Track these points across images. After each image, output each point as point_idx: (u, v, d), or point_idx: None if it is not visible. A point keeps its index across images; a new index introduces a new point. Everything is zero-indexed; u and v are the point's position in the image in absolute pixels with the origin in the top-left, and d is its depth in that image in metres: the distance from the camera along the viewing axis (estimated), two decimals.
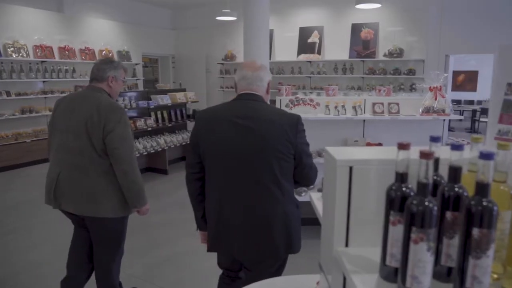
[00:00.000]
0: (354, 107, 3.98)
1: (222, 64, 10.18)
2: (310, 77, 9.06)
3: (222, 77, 10.23)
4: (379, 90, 4.20)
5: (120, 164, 2.19)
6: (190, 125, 7.82)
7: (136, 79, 9.46)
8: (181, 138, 6.77)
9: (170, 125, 6.74)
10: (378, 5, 6.54)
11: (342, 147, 1.15)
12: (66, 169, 2.23)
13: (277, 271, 1.91)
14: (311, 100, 3.86)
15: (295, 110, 3.86)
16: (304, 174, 1.85)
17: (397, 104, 4.12)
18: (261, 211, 1.76)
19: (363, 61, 8.45)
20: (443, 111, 3.90)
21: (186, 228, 4.12)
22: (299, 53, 9.07)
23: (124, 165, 2.19)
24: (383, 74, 8.21)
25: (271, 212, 1.76)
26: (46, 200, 2.33)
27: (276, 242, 1.77)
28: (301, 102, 3.84)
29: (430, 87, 3.93)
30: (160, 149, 6.23)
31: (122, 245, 2.49)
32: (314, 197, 1.97)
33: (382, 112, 4.10)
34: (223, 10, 7.90)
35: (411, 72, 7.99)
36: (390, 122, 4.15)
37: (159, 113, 6.64)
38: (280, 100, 4.03)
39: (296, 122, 1.79)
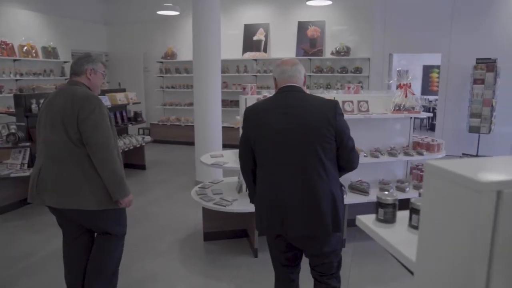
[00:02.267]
0: None
1: (161, 62, 9.50)
2: (256, 75, 8.78)
3: (162, 76, 9.56)
4: (348, 88, 4.01)
5: (96, 153, 2.18)
6: (132, 129, 7.11)
7: (65, 79, 8.44)
8: (123, 143, 6.07)
9: None
10: (329, 2, 6.45)
11: (457, 160, 0.81)
12: (47, 162, 2.25)
13: (335, 252, 2.08)
14: None
15: None
16: (346, 156, 2.02)
17: (367, 102, 3.96)
18: (311, 190, 1.91)
19: (310, 59, 8.35)
20: (413, 108, 3.81)
21: (140, 249, 3.60)
22: (244, 51, 8.75)
23: (100, 153, 2.18)
24: (331, 73, 8.19)
25: (319, 191, 1.91)
26: (29, 197, 2.33)
27: (326, 219, 1.92)
28: None
29: (399, 84, 3.82)
30: None
31: (123, 231, 2.51)
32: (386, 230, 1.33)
33: (353, 111, 3.91)
34: (164, 4, 7.31)
35: (358, 70, 8.06)
36: (361, 121, 3.98)
37: None
38: (246, 99, 3.66)
39: (334, 106, 2.00)
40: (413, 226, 1.10)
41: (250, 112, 2.09)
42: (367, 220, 1.22)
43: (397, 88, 4.03)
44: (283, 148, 1.94)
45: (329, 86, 8.30)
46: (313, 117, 1.93)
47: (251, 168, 2.11)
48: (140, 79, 9.74)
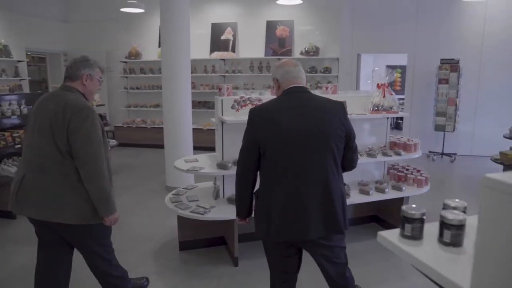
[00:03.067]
0: None
1: (125, 62, 9.09)
2: (224, 76, 8.60)
3: (126, 77, 9.15)
4: (326, 88, 3.93)
5: (85, 167, 2.06)
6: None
7: (20, 79, 7.86)
8: None
9: None
10: (298, 1, 6.38)
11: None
12: (31, 171, 2.12)
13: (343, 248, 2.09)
14: (259, 100, 3.40)
15: (244, 112, 3.35)
16: (350, 156, 2.07)
17: (344, 102, 3.89)
18: (328, 191, 1.91)
19: (279, 59, 8.27)
20: (391, 108, 3.78)
21: None
22: (211, 50, 8.54)
23: (88, 168, 2.06)
24: None
25: (334, 191, 1.92)
26: (9, 205, 2.19)
27: (340, 219, 1.93)
28: (248, 102, 3.35)
29: (378, 84, 3.79)
30: None
31: (109, 243, 2.37)
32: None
33: None
34: (128, 1, 6.96)
35: (327, 70, 8.07)
36: None
37: None
38: (222, 100, 3.48)
39: (343, 106, 2.04)
40: (445, 243, 0.99)
41: (259, 113, 1.99)
42: (391, 237, 1.09)
43: (374, 87, 4.00)
44: (301, 149, 1.90)
45: None
46: (329, 118, 1.94)
47: (253, 176, 2.03)
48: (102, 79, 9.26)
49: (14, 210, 2.18)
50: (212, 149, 3.82)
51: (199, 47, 8.39)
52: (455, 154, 7.36)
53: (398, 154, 3.84)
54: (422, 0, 7.63)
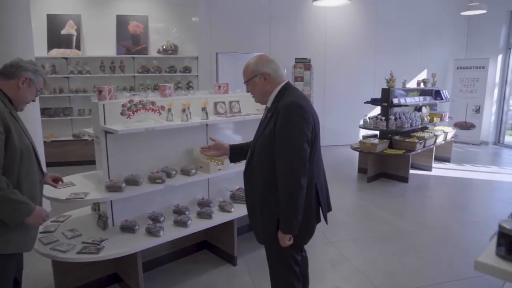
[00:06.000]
0: (184, 110, 3.15)
1: None
2: (68, 77, 7.32)
3: None
4: (219, 87, 3.60)
5: None
6: None
7: None
8: None
9: None
10: None
11: None
12: None
13: None
14: (153, 104, 2.84)
15: (136, 118, 2.75)
16: None
17: (238, 102, 3.66)
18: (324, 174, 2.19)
19: (133, 57, 7.49)
20: None
21: None
22: (50, 47, 7.15)
23: None
24: (158, 72, 7.55)
25: None
26: None
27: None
28: (140, 106, 2.75)
29: None
30: None
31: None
32: None
33: (226, 113, 3.53)
34: None
35: (187, 69, 7.69)
36: (233, 123, 3.66)
37: None
38: (103, 105, 2.79)
39: None
40: None
41: (308, 109, 1.93)
42: (491, 261, 0.87)
43: None
44: (319, 141, 2.04)
45: (157, 87, 7.63)
46: None
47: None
48: None
49: None
50: (66, 164, 3.05)
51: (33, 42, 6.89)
52: None
53: None
54: (274, 2, 7.99)
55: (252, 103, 3.83)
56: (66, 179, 2.97)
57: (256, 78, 2.04)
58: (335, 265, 3.40)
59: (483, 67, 8.96)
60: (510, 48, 9.00)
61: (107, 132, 2.77)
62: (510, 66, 9.06)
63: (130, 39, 7.43)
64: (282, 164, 1.86)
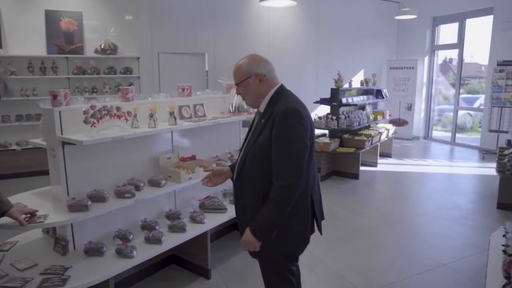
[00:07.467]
0: (152, 115, 2.87)
1: None
2: None
3: None
4: (183, 89, 3.35)
5: None
6: None
7: None
8: None
9: None
10: None
11: None
12: None
13: None
14: (118, 109, 2.53)
15: (102, 126, 2.44)
16: None
17: (202, 105, 3.45)
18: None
19: (67, 58, 6.83)
20: (250, 109, 3.58)
21: None
22: None
23: None
24: (96, 74, 6.97)
25: None
26: None
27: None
28: (105, 112, 2.43)
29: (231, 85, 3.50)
30: None
31: None
32: None
33: (191, 117, 3.31)
34: None
35: (128, 70, 7.20)
36: (199, 128, 3.45)
37: None
38: (60, 112, 2.43)
39: None
40: None
41: (304, 115, 1.80)
42: None
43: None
44: (314, 147, 1.93)
45: (95, 90, 7.05)
46: None
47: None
48: None
49: None
50: None
51: None
52: None
53: None
54: (218, 2, 7.80)
55: (216, 106, 3.67)
56: (11, 199, 2.53)
57: (250, 79, 1.86)
58: (312, 268, 3.35)
59: (413, 68, 9.63)
60: (434, 51, 9.79)
61: (64, 143, 2.41)
62: (435, 67, 9.86)
63: (63, 37, 6.76)
64: (280, 173, 1.72)
